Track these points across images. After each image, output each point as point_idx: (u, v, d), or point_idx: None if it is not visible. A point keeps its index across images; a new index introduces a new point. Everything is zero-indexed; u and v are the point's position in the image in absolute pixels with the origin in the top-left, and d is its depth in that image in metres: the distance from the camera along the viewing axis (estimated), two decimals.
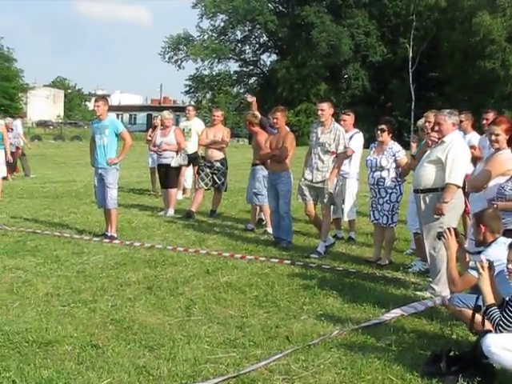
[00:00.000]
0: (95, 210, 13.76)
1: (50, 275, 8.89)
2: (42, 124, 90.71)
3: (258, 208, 13.18)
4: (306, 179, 10.93)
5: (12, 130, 22.58)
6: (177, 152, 14.63)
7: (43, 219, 13.55)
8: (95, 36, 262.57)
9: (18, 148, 22.90)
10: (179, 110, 62.56)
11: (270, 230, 12.47)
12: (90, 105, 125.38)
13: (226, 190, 14.87)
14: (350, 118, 12.15)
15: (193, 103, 79.86)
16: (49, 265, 9.48)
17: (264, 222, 13.17)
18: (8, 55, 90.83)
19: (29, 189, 19.29)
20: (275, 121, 11.54)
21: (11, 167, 21.97)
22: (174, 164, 14.60)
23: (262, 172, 12.68)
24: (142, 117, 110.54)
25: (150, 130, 18.80)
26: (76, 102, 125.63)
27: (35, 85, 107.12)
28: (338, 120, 11.46)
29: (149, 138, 18.10)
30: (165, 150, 14.60)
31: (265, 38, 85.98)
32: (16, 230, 12.15)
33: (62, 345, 6.19)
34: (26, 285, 8.37)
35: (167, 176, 14.74)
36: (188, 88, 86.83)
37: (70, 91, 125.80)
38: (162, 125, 15.59)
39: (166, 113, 15.28)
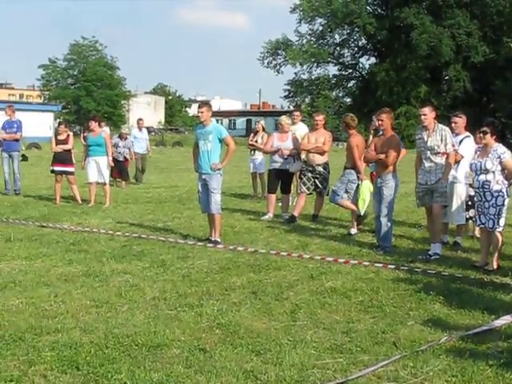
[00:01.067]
0: (198, 214, 13.92)
1: (156, 279, 9.04)
2: None
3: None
4: (421, 184, 10.84)
5: (126, 138, 22.83)
6: (294, 157, 14.67)
7: (148, 224, 13.81)
8: (195, 42, 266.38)
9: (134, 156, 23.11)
10: (279, 115, 62.76)
11: (352, 231, 12.92)
12: (191, 111, 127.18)
13: (328, 195, 14.81)
14: (461, 121, 11.88)
15: (292, 108, 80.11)
16: (155, 269, 9.64)
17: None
18: (111, 64, 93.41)
19: (133, 194, 19.69)
20: (380, 123, 11.40)
21: (123, 175, 22.34)
22: (292, 170, 14.68)
23: (350, 176, 12.73)
24: (241, 122, 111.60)
25: (252, 135, 18.86)
26: (177, 108, 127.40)
27: (137, 92, 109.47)
28: (443, 122, 11.25)
29: (250, 143, 18.22)
30: (287, 155, 14.63)
31: (363, 41, 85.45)
32: (122, 234, 12.41)
33: (171, 348, 6.28)
34: (134, 289, 8.53)
35: (284, 181, 14.93)
36: (287, 93, 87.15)
37: (170, 98, 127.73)
38: (266, 130, 15.63)
39: (284, 118, 15.28)
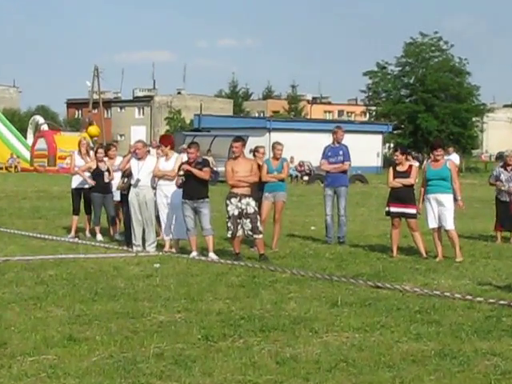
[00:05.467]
0: None
1: None
2: (499, 158, 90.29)
3: None
4: None
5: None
6: None
7: None
8: None
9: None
10: None
11: None
12: None
13: None
14: None
15: None
16: None
17: None
18: (460, 68, 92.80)
19: (494, 246, 19.47)
20: None
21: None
22: None
23: None
24: None
25: None
26: None
27: (494, 105, 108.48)
28: None
29: None
30: None
31: None
32: (485, 301, 12.26)
33: None
34: (507, 377, 8.37)
35: None
36: None
37: None
38: None
39: None
